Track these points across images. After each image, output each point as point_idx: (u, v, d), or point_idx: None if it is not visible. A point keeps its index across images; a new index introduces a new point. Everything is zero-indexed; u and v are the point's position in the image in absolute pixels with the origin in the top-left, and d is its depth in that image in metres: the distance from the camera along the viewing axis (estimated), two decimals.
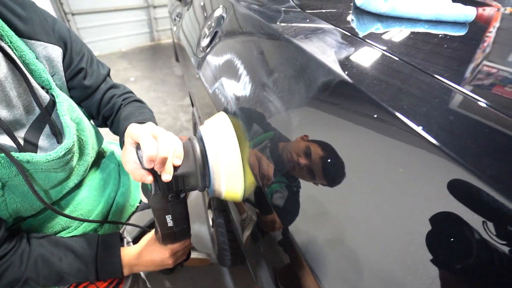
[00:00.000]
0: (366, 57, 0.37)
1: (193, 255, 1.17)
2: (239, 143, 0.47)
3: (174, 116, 2.49)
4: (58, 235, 0.60)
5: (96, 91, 0.63)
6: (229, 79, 0.59)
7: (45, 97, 0.51)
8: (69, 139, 0.52)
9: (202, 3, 1.05)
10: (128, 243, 0.80)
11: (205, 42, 0.79)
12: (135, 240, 1.03)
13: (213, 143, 0.46)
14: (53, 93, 0.52)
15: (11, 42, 0.46)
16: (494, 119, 0.25)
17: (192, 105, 1.39)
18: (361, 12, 0.53)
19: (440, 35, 0.43)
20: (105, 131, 0.75)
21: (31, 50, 0.50)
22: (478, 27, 0.46)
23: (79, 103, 0.63)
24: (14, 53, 0.46)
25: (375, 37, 0.42)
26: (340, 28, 0.46)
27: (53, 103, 0.53)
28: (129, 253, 0.60)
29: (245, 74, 0.53)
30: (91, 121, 0.70)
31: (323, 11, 0.55)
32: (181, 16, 1.41)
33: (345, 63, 0.36)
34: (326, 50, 0.40)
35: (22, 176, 0.45)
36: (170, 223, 0.52)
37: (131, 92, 0.69)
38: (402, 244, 0.24)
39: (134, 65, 3.59)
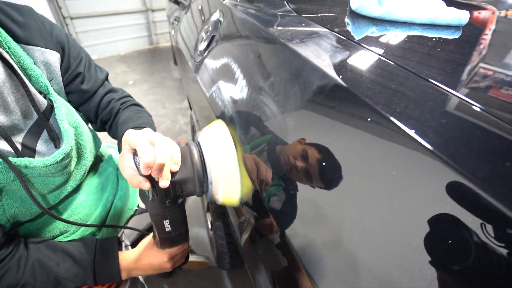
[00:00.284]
0: (361, 61, 0.38)
1: (192, 258, 1.17)
2: (236, 148, 0.47)
3: (172, 119, 2.49)
4: (56, 239, 0.60)
5: (94, 95, 0.63)
6: (226, 83, 0.59)
7: (42, 102, 0.51)
8: (67, 144, 0.52)
9: (199, 7, 1.06)
10: (126, 246, 0.80)
11: (202, 46, 0.80)
12: (134, 244, 1.03)
13: (211, 149, 0.46)
14: (51, 98, 0.53)
15: (9, 48, 0.46)
16: (485, 121, 0.25)
17: (190, 108, 1.39)
18: (356, 16, 0.53)
19: (434, 39, 0.44)
20: (103, 135, 0.75)
21: (29, 55, 0.50)
22: (471, 30, 0.47)
23: (77, 108, 0.63)
24: (12, 58, 0.47)
25: (370, 41, 0.43)
26: (335, 32, 0.46)
27: (50, 108, 0.53)
28: (127, 257, 0.60)
29: (242, 78, 0.54)
30: (89, 125, 0.71)
31: (319, 15, 0.55)
32: (179, 20, 1.41)
33: (340, 67, 0.36)
34: (321, 54, 0.40)
35: (19, 181, 0.45)
36: (168, 227, 0.52)
37: (129, 96, 0.70)
38: (399, 246, 0.24)
39: (132, 69, 3.60)
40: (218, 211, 0.92)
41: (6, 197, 0.48)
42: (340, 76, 0.34)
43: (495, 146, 0.23)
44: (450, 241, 0.22)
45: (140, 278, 0.86)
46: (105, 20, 3.85)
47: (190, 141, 0.50)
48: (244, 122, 0.49)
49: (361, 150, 0.29)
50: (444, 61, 0.37)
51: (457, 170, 0.22)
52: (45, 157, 0.50)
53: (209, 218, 1.30)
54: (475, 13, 0.55)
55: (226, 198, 0.47)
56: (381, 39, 0.44)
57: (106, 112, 0.63)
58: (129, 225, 0.77)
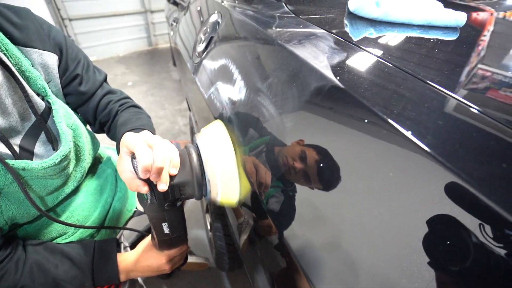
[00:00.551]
0: (358, 62, 0.38)
1: (191, 259, 1.17)
2: (235, 151, 0.47)
3: (172, 120, 2.49)
4: (54, 241, 0.60)
5: (92, 97, 0.63)
6: (224, 84, 0.59)
7: (40, 104, 0.51)
8: (65, 146, 0.52)
9: (198, 8, 1.06)
10: (125, 248, 0.80)
11: (200, 47, 0.80)
12: (133, 245, 1.03)
13: (210, 152, 0.46)
14: (49, 100, 0.53)
15: (6, 50, 0.46)
16: (483, 122, 0.25)
17: (189, 110, 1.39)
18: (354, 18, 0.54)
19: (432, 40, 0.44)
20: (101, 136, 0.75)
21: (27, 57, 0.50)
22: (468, 32, 0.47)
23: (75, 109, 0.63)
24: (10, 60, 0.47)
25: (368, 42, 0.43)
26: (333, 33, 0.46)
27: (48, 110, 0.53)
28: (126, 259, 0.60)
29: (240, 79, 0.54)
30: (88, 127, 0.71)
31: (317, 16, 0.55)
32: (178, 21, 1.41)
33: (338, 69, 0.36)
34: (318, 56, 0.40)
35: (17, 184, 0.45)
36: (166, 230, 0.52)
37: (128, 97, 0.69)
38: (397, 247, 0.24)
39: (132, 70, 3.60)
40: (217, 212, 0.92)
41: (4, 199, 0.48)
42: (338, 78, 0.34)
43: (493, 148, 0.23)
44: (448, 242, 0.22)
45: (139, 279, 0.86)
46: (104, 21, 3.85)
47: (188, 143, 0.50)
48: (242, 124, 0.49)
49: (359, 152, 0.29)
50: (442, 62, 0.37)
51: (454, 171, 0.22)
52: (43, 159, 0.50)
53: (208, 219, 1.30)
54: (473, 15, 0.55)
55: (224, 200, 0.47)
56: (379, 41, 0.44)
57: (105, 114, 0.63)
58: (128, 226, 0.77)
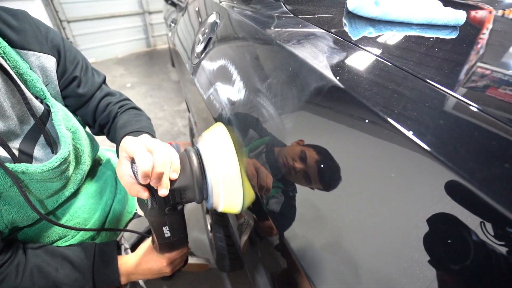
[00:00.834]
0: (358, 61, 0.38)
1: (192, 260, 1.17)
2: (237, 154, 0.46)
3: (171, 121, 2.48)
4: (55, 244, 0.60)
5: (91, 99, 0.63)
6: (223, 85, 0.59)
7: (39, 107, 0.51)
8: (65, 149, 0.51)
9: (196, 9, 1.06)
10: (125, 250, 0.79)
11: (199, 48, 0.79)
12: (134, 247, 1.03)
13: (211, 155, 0.45)
14: (47, 102, 0.52)
15: (4, 53, 0.46)
16: (484, 121, 0.25)
17: (188, 111, 1.39)
18: (353, 17, 0.53)
19: (431, 39, 0.44)
20: (100, 138, 0.75)
21: (25, 60, 0.50)
22: (468, 30, 0.47)
23: (74, 112, 0.63)
24: (8, 64, 0.46)
25: (367, 42, 0.43)
26: (332, 33, 0.46)
27: (47, 112, 0.53)
28: (126, 262, 0.60)
29: (239, 80, 0.53)
30: (87, 129, 0.70)
31: (316, 16, 0.55)
32: (176, 22, 1.41)
33: (337, 68, 0.36)
34: (318, 55, 0.40)
35: (17, 187, 0.45)
36: (167, 233, 0.51)
37: (127, 99, 0.69)
38: (398, 248, 0.24)
39: (130, 71, 3.59)
40: (217, 213, 0.92)
41: (3, 203, 0.48)
42: (338, 78, 0.34)
43: (494, 147, 0.23)
44: (449, 241, 0.22)
45: (140, 281, 0.86)
46: (102, 23, 3.85)
47: (189, 147, 0.49)
48: (242, 124, 0.49)
49: (359, 152, 0.29)
50: (442, 61, 0.37)
51: (455, 170, 0.22)
52: (42, 162, 0.50)
53: (208, 220, 1.30)
54: (472, 13, 0.55)
55: (227, 205, 0.46)
56: (378, 40, 0.44)
57: (104, 116, 0.63)
58: (128, 228, 0.77)
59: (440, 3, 0.52)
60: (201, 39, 0.80)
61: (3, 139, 0.45)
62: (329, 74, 0.35)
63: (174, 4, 1.65)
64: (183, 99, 2.81)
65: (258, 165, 0.42)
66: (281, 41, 0.46)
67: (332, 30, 0.47)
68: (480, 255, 0.20)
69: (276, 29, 0.52)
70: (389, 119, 0.27)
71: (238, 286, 1.24)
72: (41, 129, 0.51)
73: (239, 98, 0.52)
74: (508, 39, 0.47)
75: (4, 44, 0.46)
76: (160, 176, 0.40)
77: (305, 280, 0.32)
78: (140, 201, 0.47)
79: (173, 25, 1.54)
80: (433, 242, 0.22)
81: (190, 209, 1.58)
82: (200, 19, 0.97)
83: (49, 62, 0.53)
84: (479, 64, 0.37)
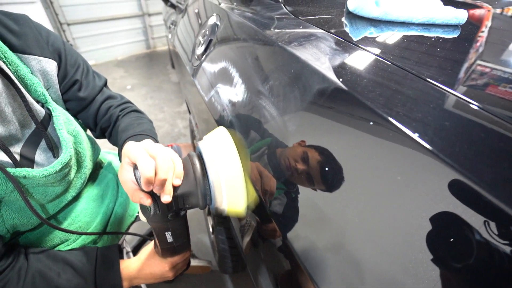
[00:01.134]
0: (361, 62, 0.37)
1: (194, 262, 1.16)
2: (239, 157, 0.45)
3: (171, 123, 2.48)
4: (57, 248, 0.59)
5: (92, 103, 0.62)
6: (225, 87, 0.59)
7: (40, 111, 0.51)
8: (66, 153, 0.51)
9: (196, 11, 1.06)
10: (127, 253, 0.79)
11: (200, 50, 0.79)
12: (135, 250, 1.03)
13: (214, 160, 0.44)
14: (49, 107, 0.52)
15: (5, 58, 0.46)
16: (489, 122, 0.25)
17: (189, 112, 1.39)
18: (354, 17, 0.53)
19: (433, 38, 0.43)
20: (101, 141, 0.75)
21: (26, 64, 0.50)
22: (470, 29, 0.47)
23: (75, 115, 0.63)
24: (9, 68, 0.46)
25: (369, 42, 0.42)
26: (333, 33, 0.46)
27: (48, 117, 0.53)
28: (128, 266, 0.60)
29: (241, 82, 0.53)
30: (88, 132, 0.70)
31: (316, 17, 0.55)
32: (176, 24, 1.41)
33: (340, 70, 0.36)
34: (320, 57, 0.40)
35: (18, 192, 0.45)
36: (170, 239, 0.51)
37: (128, 102, 0.69)
38: (402, 249, 0.24)
39: (130, 73, 3.60)
40: (220, 215, 0.92)
41: (5, 208, 0.47)
42: (340, 79, 0.34)
43: (501, 148, 0.23)
44: (452, 242, 0.21)
45: (143, 285, 0.85)
46: (102, 25, 3.85)
47: (192, 152, 0.49)
48: (244, 127, 0.48)
49: (363, 153, 0.29)
50: (444, 61, 0.37)
51: (462, 172, 0.22)
52: (44, 167, 0.50)
53: (210, 221, 1.30)
54: (473, 12, 0.55)
55: (231, 209, 0.45)
56: (380, 40, 0.44)
57: (105, 119, 0.63)
58: (130, 231, 0.77)
59: (441, 3, 0.52)
60: (202, 41, 0.80)
61: (4, 143, 0.45)
62: (332, 75, 0.35)
63: (173, 6, 1.65)
64: (183, 101, 2.81)
65: (261, 168, 0.42)
66: (283, 42, 0.46)
67: (333, 31, 0.47)
68: (488, 255, 0.20)
69: (277, 31, 0.52)
70: (393, 121, 0.27)
71: None
72: (42, 133, 0.51)
73: (241, 100, 0.52)
74: (510, 37, 0.47)
75: (5, 48, 0.46)
76: (163, 183, 0.39)
77: (308, 281, 0.32)
78: (143, 207, 0.46)
79: (173, 27, 1.54)
80: (437, 242, 0.22)
81: (192, 211, 1.57)
82: (200, 21, 0.97)
83: (50, 66, 0.53)
84: (484, 63, 0.37)
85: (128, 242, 0.86)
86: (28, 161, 0.50)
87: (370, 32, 0.47)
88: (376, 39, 0.44)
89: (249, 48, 0.56)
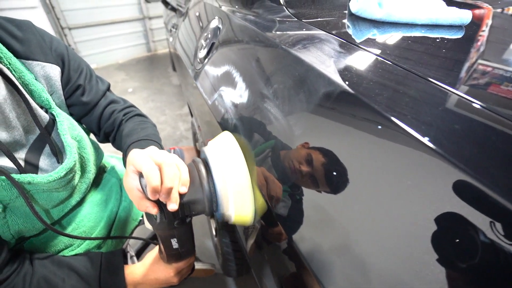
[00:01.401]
0: (366, 65, 0.37)
1: (198, 266, 1.16)
2: (246, 162, 0.45)
3: (173, 125, 2.49)
4: (61, 253, 0.59)
5: (95, 107, 0.63)
6: (228, 90, 0.59)
7: (44, 116, 0.51)
8: (70, 159, 0.51)
9: (197, 14, 1.06)
10: (131, 257, 0.79)
11: (202, 53, 0.79)
12: (138, 253, 1.02)
13: (220, 167, 0.44)
14: (52, 112, 0.52)
15: (9, 64, 0.46)
16: (503, 125, 0.24)
17: (191, 115, 1.39)
18: (356, 19, 0.53)
19: (438, 39, 0.43)
20: (104, 144, 0.75)
21: (30, 70, 0.50)
22: (474, 30, 0.47)
23: (79, 120, 0.63)
24: (13, 74, 0.47)
25: (373, 44, 0.42)
26: (337, 36, 0.46)
27: (52, 122, 0.53)
28: (133, 271, 0.59)
29: (244, 85, 0.53)
30: (91, 136, 0.70)
31: (319, 19, 0.55)
32: (177, 27, 1.42)
33: (345, 72, 0.36)
34: (324, 60, 0.40)
35: (23, 198, 0.45)
36: (175, 245, 0.51)
37: (132, 106, 0.69)
38: (409, 250, 0.24)
39: (131, 76, 3.61)
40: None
41: (10, 213, 0.47)
42: (347, 82, 0.34)
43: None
44: (461, 242, 0.21)
45: None
46: (103, 29, 3.87)
47: (197, 158, 0.48)
48: (249, 130, 0.48)
49: (370, 155, 0.29)
50: (451, 62, 0.37)
51: (472, 175, 0.21)
52: (48, 172, 0.50)
53: (213, 224, 1.29)
54: (477, 12, 0.55)
55: (238, 216, 0.45)
56: (384, 42, 0.43)
57: (109, 124, 0.63)
58: (133, 234, 0.77)
59: (444, 3, 0.51)
60: (204, 45, 0.80)
61: (9, 149, 0.45)
62: (337, 78, 0.35)
63: (174, 9, 1.66)
64: (184, 103, 2.82)
65: (267, 173, 0.42)
66: (287, 45, 0.46)
67: (337, 33, 0.46)
68: (498, 258, 0.20)
69: (280, 34, 0.52)
70: (402, 124, 0.27)
71: None
72: (46, 139, 0.51)
73: (244, 102, 0.51)
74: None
75: (10, 55, 0.46)
76: (169, 191, 0.39)
77: (315, 283, 0.32)
78: (149, 215, 0.46)
79: (174, 30, 1.54)
80: (444, 243, 0.22)
81: None
82: (201, 24, 0.97)
83: (54, 71, 0.53)
84: (495, 64, 0.36)
85: (131, 245, 0.86)
86: (32, 167, 0.50)
87: (373, 33, 0.47)
88: (380, 40, 0.44)
89: (252, 51, 0.56)
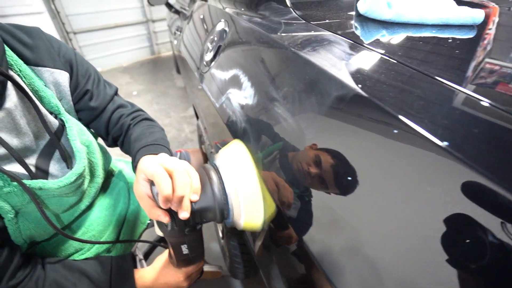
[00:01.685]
0: (379, 67, 0.37)
1: (205, 268, 1.16)
2: (256, 169, 0.45)
3: (178, 128, 2.49)
4: (72, 257, 0.60)
5: (103, 112, 0.63)
6: (236, 93, 0.58)
7: (54, 122, 0.51)
8: (80, 164, 0.52)
9: (201, 17, 1.06)
10: (140, 260, 0.79)
11: (208, 56, 0.79)
12: (146, 255, 1.03)
13: (231, 175, 0.44)
14: (62, 118, 0.53)
15: (20, 71, 0.46)
16: None
17: (197, 117, 1.39)
18: (365, 20, 0.53)
19: (450, 40, 0.42)
20: (110, 148, 0.75)
21: (39, 76, 0.50)
22: (486, 29, 0.46)
23: (87, 125, 0.63)
24: (24, 81, 0.47)
25: (383, 45, 0.42)
26: (345, 37, 0.45)
27: (62, 128, 0.53)
28: (143, 276, 0.60)
29: (253, 88, 0.53)
30: (99, 140, 0.70)
31: (327, 21, 0.55)
32: (182, 30, 1.42)
33: (357, 75, 0.35)
34: (335, 62, 0.39)
35: (34, 203, 0.45)
36: (185, 251, 0.51)
37: (140, 110, 0.69)
38: (420, 251, 0.23)
39: (136, 79, 3.63)
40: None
41: (22, 219, 0.48)
42: (360, 86, 0.33)
43: None
44: (471, 242, 0.21)
45: None
46: (107, 33, 3.90)
47: (207, 165, 0.48)
48: (257, 132, 0.48)
49: (383, 157, 0.28)
50: (464, 63, 0.36)
51: (485, 174, 0.21)
52: (58, 178, 0.50)
53: (219, 227, 1.29)
54: (488, 11, 0.54)
55: (248, 224, 0.44)
56: (394, 43, 0.43)
57: (117, 128, 0.63)
58: (142, 238, 0.77)
59: (454, 3, 0.51)
60: (210, 48, 0.80)
61: (20, 156, 0.46)
62: (350, 81, 0.34)
63: (177, 12, 1.66)
64: (189, 105, 2.83)
65: (278, 179, 0.41)
66: (296, 48, 0.46)
67: (346, 35, 0.46)
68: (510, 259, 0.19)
69: (289, 36, 0.52)
70: (418, 127, 0.26)
71: None
72: (56, 144, 0.52)
73: (253, 105, 0.51)
74: None
75: (20, 62, 0.47)
76: (181, 200, 0.39)
77: (326, 283, 0.31)
78: (160, 223, 0.46)
79: (178, 33, 1.54)
80: (455, 244, 0.22)
81: None
82: (206, 27, 0.97)
83: (63, 77, 0.54)
84: (504, 63, 0.36)
85: (139, 248, 0.86)
86: (42, 172, 0.50)
87: (383, 34, 0.47)
88: (391, 42, 0.44)
89: (260, 54, 0.56)
